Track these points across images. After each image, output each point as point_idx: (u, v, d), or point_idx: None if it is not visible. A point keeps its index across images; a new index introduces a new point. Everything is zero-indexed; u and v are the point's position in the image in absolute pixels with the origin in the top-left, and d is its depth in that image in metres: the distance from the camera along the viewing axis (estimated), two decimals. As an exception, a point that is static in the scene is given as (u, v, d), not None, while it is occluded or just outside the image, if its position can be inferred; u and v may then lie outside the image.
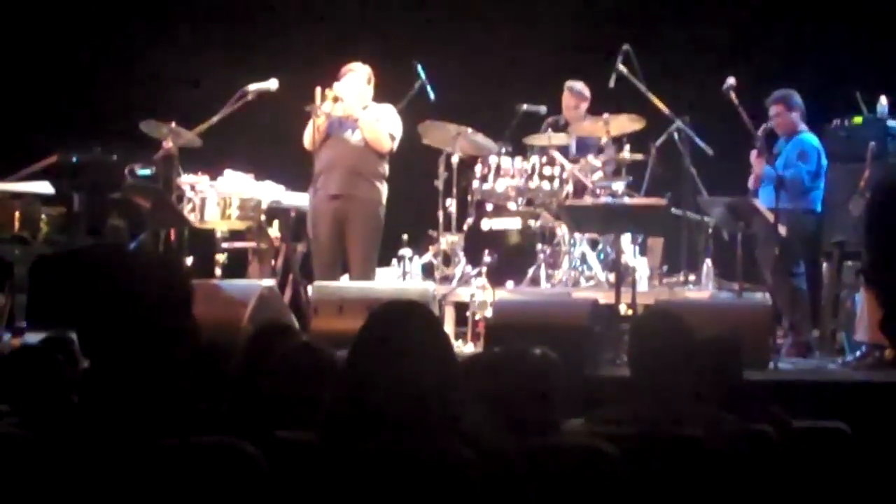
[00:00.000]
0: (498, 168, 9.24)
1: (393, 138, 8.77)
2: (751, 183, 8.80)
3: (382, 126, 8.73)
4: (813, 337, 8.56)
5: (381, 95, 8.94)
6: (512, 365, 3.55)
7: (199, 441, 2.79)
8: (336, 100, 8.62)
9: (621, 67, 9.13)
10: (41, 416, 2.95)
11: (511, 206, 9.27)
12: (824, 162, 8.70)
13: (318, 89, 8.61)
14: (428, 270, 9.42)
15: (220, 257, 8.92)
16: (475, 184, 9.29)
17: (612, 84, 9.18)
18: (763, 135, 8.63)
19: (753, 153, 8.71)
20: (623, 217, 8.39)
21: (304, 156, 8.75)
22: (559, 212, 9.02)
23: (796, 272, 8.56)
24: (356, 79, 8.77)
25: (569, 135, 9.70)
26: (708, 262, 9.10)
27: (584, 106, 9.78)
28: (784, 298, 8.39)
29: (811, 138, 8.75)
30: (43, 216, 8.56)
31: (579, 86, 9.82)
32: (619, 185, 9.17)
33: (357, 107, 8.71)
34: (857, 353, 7.86)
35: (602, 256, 9.23)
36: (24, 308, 8.32)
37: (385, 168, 8.81)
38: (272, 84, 8.94)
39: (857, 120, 9.08)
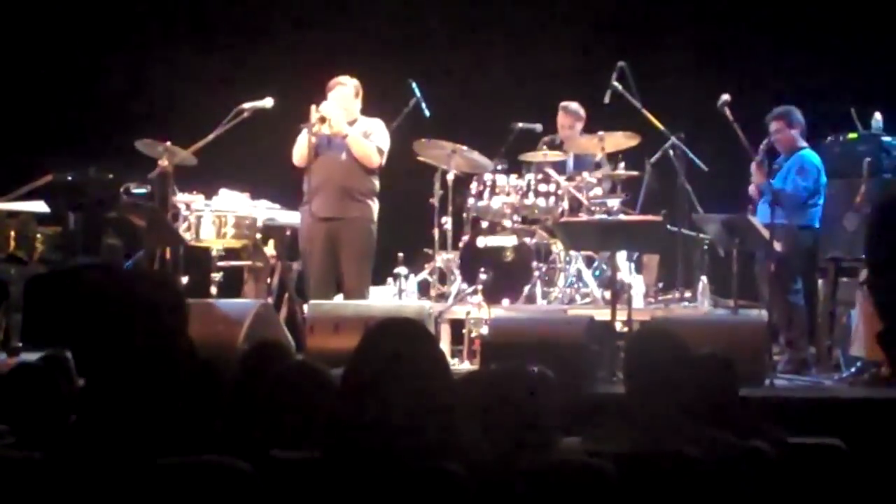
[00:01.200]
0: (493, 185, 9.24)
1: (381, 153, 8.74)
2: (751, 190, 8.78)
3: (370, 141, 8.71)
4: (810, 353, 8.55)
5: (375, 113, 8.93)
6: (508, 383, 3.55)
7: (194, 460, 2.78)
8: (323, 120, 8.60)
9: (616, 84, 9.13)
10: (39, 435, 2.94)
11: (506, 223, 9.26)
12: (823, 179, 8.66)
13: (313, 108, 8.61)
14: (424, 288, 9.42)
15: (216, 276, 8.90)
16: (470, 201, 9.28)
17: (606, 100, 9.19)
18: (764, 149, 8.62)
19: (754, 164, 8.68)
20: (618, 234, 8.37)
21: (298, 174, 8.74)
22: (555, 229, 9.01)
23: (793, 288, 8.54)
24: (344, 92, 8.73)
25: (565, 152, 9.70)
26: (703, 278, 9.09)
27: (580, 126, 9.77)
28: (781, 315, 8.37)
29: (812, 155, 8.72)
30: (38, 235, 8.57)
31: (574, 106, 9.82)
32: (614, 202, 9.17)
33: (345, 124, 8.68)
34: (853, 369, 7.86)
35: (598, 274, 9.23)
36: (20, 328, 8.32)
37: (375, 185, 8.77)
38: (267, 102, 8.93)
39: (852, 136, 9.09)
